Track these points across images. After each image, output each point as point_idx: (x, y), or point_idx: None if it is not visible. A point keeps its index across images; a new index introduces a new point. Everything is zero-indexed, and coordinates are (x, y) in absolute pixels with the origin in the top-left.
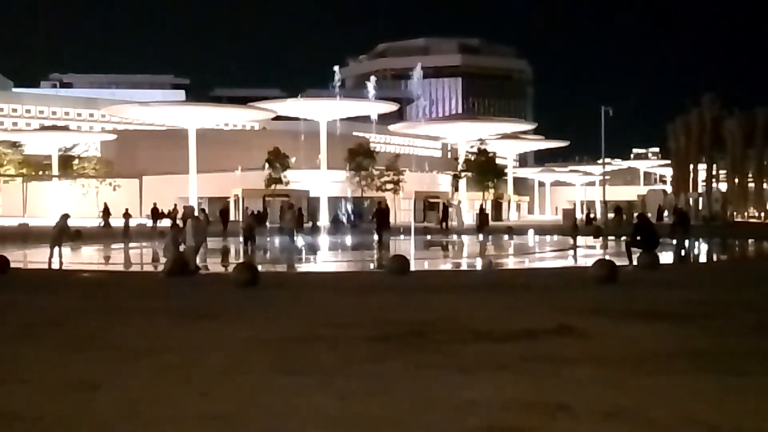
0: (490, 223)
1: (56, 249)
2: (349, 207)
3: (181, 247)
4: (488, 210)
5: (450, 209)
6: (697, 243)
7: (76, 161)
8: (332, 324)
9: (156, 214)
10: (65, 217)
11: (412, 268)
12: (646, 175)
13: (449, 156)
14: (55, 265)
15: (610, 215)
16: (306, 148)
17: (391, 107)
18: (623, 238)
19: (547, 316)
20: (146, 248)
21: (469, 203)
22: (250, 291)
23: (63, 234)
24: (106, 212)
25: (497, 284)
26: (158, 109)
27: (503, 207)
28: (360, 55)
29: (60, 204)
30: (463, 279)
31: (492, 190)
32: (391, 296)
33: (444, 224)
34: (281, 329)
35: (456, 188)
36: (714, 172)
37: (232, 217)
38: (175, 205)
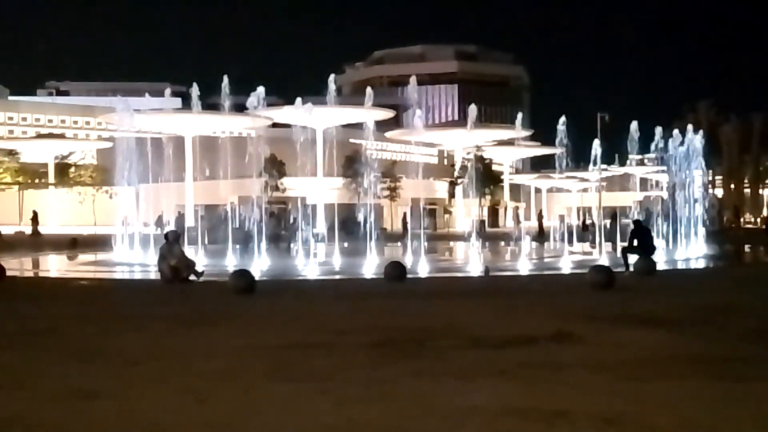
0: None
1: None
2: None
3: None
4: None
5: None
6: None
7: (72, 169)
8: (330, 330)
9: (161, 221)
10: None
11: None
12: (643, 181)
13: (445, 163)
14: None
15: (606, 221)
16: (302, 155)
17: (387, 114)
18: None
19: (545, 322)
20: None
21: (465, 209)
22: (247, 298)
23: None
24: (34, 220)
25: (494, 290)
26: (155, 116)
27: (500, 213)
28: (356, 62)
29: (56, 212)
30: (459, 285)
31: (489, 197)
32: (388, 302)
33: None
34: (278, 336)
35: (452, 195)
36: (710, 178)
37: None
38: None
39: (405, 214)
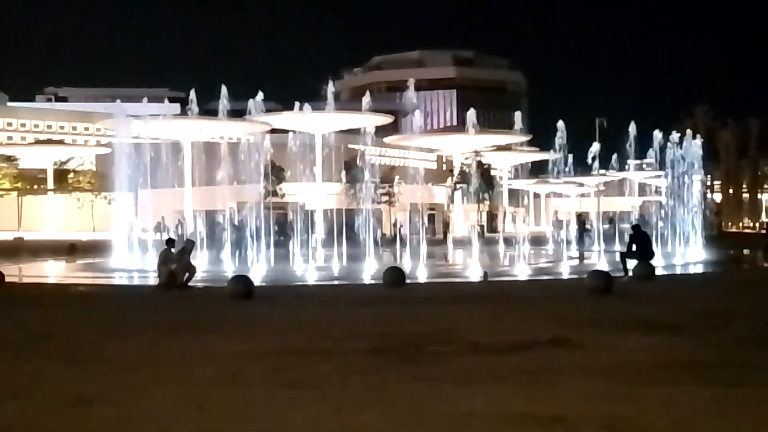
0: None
1: None
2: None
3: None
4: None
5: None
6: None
7: (71, 175)
8: (328, 336)
9: (160, 227)
10: None
11: None
12: (641, 186)
13: (444, 168)
14: None
15: (605, 226)
16: (301, 161)
17: (386, 119)
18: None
19: (543, 327)
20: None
21: (464, 215)
22: (245, 304)
23: None
24: None
25: (493, 295)
26: (153, 122)
27: (498, 218)
28: (355, 68)
29: (55, 218)
30: (458, 290)
31: (487, 202)
32: (386, 308)
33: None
34: (277, 342)
35: (452, 200)
36: (708, 183)
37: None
38: (163, 218)
39: (397, 219)
